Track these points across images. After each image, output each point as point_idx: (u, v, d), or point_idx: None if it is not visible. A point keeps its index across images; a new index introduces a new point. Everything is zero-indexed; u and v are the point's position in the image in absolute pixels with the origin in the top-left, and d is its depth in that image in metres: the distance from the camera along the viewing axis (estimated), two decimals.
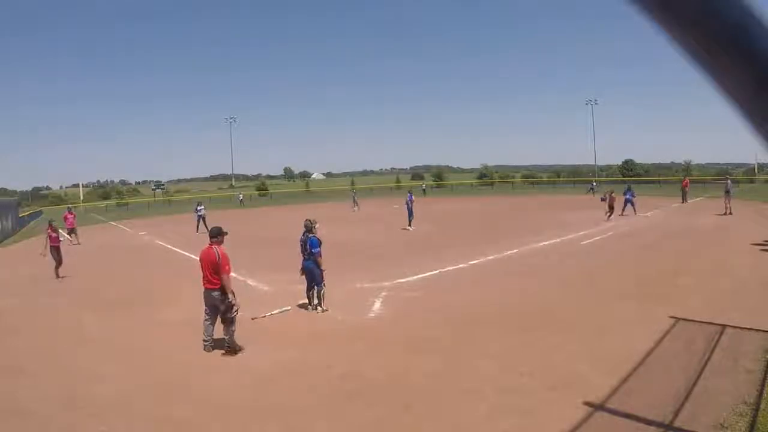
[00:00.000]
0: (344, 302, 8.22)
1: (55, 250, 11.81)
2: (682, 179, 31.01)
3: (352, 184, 76.45)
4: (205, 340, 6.17)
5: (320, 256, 7.57)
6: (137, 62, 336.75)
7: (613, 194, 19.40)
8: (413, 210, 18.63)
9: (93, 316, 8.20)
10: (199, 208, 21.76)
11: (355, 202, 31.13)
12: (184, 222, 28.00)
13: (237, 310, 6.12)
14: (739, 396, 4.31)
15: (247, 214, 31.63)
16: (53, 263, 11.76)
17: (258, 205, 45.24)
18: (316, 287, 7.68)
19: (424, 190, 45.68)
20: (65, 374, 5.65)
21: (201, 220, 21.01)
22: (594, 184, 39.18)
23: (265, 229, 21.39)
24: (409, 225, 18.47)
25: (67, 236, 18.53)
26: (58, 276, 11.64)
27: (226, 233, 6.44)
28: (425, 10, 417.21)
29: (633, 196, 20.70)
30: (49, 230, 11.90)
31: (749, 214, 19.15)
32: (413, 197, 19.19)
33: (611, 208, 19.22)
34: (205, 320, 6.19)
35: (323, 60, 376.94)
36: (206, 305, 6.18)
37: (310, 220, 7.83)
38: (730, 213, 18.74)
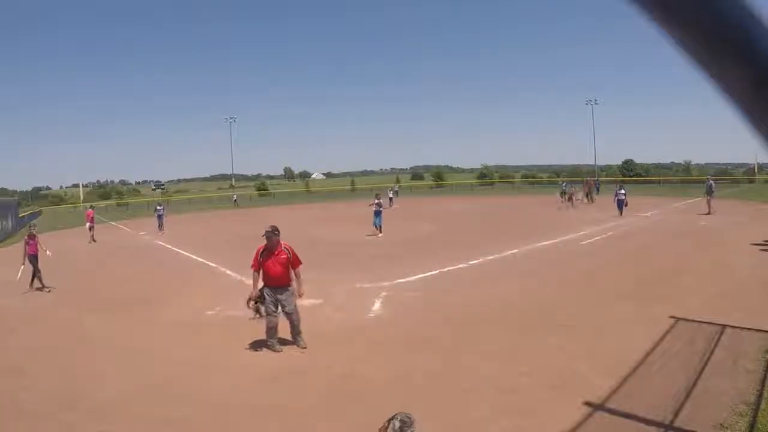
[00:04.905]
0: (344, 302, 8.22)
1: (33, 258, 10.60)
2: (586, 180, 33.06)
3: (352, 184, 76.53)
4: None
5: None
6: (137, 62, 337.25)
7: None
8: (381, 215, 17.20)
9: (93, 316, 8.19)
10: (158, 208, 23.17)
11: (392, 198, 31.48)
12: (185, 222, 28.04)
13: (257, 312, 6.08)
14: (739, 396, 4.30)
15: (247, 214, 31.61)
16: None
17: (257, 205, 45.19)
18: None
19: (396, 192, 35.31)
20: (65, 374, 5.65)
21: (160, 219, 22.41)
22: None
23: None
24: (379, 231, 16.87)
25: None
26: (31, 286, 10.44)
27: (265, 234, 6.19)
28: (425, 9, 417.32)
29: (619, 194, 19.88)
30: (27, 237, 10.93)
31: (749, 214, 19.14)
32: (381, 200, 17.53)
33: (570, 199, 25.38)
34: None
35: (323, 60, 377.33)
36: None
37: None
38: (712, 212, 18.69)
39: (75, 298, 9.63)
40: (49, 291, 10.39)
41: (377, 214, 17.08)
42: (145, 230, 23.51)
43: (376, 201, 17.17)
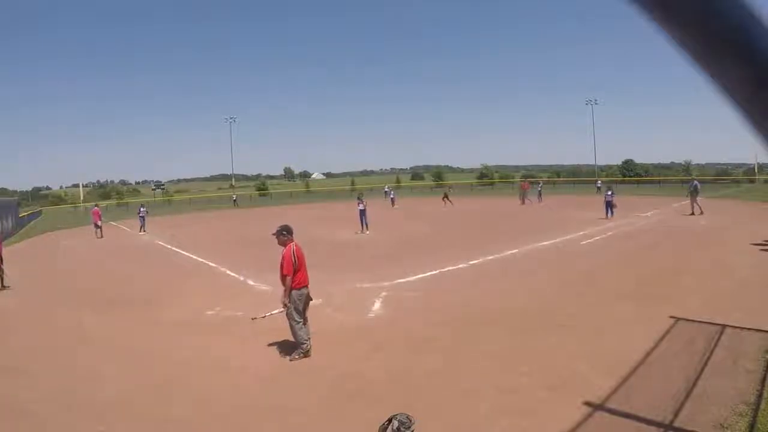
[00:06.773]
0: (344, 302, 8.22)
1: None
2: (522, 181, 35.80)
3: (352, 184, 76.53)
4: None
5: None
6: (137, 62, 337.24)
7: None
8: (367, 215, 18.65)
9: (93, 316, 8.20)
10: (141, 209, 23.88)
11: (393, 198, 31.48)
12: (185, 222, 28.03)
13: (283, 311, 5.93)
14: (739, 396, 4.30)
15: (247, 214, 31.60)
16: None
17: (257, 205, 45.16)
18: None
19: (388, 193, 33.09)
20: (65, 374, 5.65)
21: (142, 220, 23.01)
22: (600, 182, 40.43)
23: (266, 229, 21.37)
24: (363, 230, 18.31)
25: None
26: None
27: (275, 233, 6.14)
28: (424, 10, 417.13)
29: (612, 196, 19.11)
30: None
31: (749, 214, 19.14)
32: (365, 202, 18.89)
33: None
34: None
35: (323, 60, 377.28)
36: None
37: None
38: (695, 213, 18.79)
39: (75, 298, 9.62)
40: (9, 289, 10.57)
41: (363, 213, 18.71)
42: (145, 230, 23.52)
43: (361, 202, 18.98)
